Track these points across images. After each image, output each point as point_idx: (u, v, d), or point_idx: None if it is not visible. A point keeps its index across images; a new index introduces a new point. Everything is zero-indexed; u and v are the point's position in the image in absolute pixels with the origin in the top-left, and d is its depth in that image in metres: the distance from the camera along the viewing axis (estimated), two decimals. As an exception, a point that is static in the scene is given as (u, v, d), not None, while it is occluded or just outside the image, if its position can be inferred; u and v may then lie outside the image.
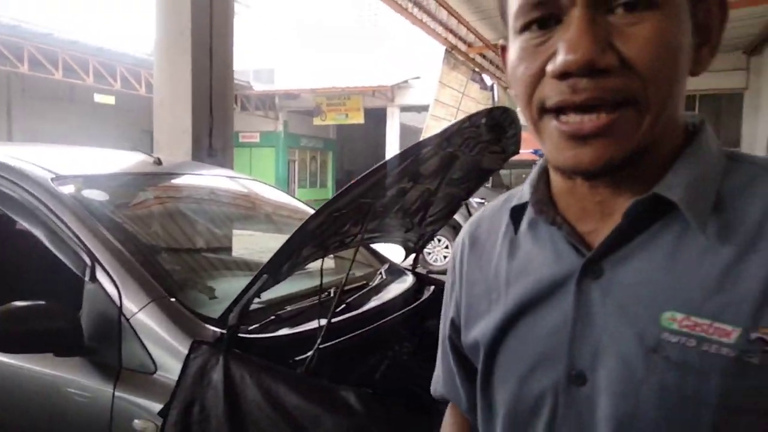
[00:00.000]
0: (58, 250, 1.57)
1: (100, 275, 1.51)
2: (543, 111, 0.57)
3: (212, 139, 3.99)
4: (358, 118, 18.69)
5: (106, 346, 1.48)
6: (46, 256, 1.62)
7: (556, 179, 0.65)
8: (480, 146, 1.71)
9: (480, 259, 0.73)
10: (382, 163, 1.39)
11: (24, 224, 1.71)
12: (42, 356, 1.49)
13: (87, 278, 1.51)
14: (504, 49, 0.65)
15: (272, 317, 1.60)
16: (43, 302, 1.43)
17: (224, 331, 1.40)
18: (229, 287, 1.65)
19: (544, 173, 0.67)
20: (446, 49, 11.89)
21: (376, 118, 18.98)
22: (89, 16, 11.40)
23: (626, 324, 0.57)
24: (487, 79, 15.03)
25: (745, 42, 15.57)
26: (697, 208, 0.57)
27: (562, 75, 0.54)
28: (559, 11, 0.54)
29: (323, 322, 1.52)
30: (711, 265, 0.55)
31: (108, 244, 1.56)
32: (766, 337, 0.52)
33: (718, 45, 0.60)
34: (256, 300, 1.54)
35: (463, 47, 13.29)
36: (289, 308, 1.67)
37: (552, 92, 0.56)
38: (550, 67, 0.55)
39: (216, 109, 3.99)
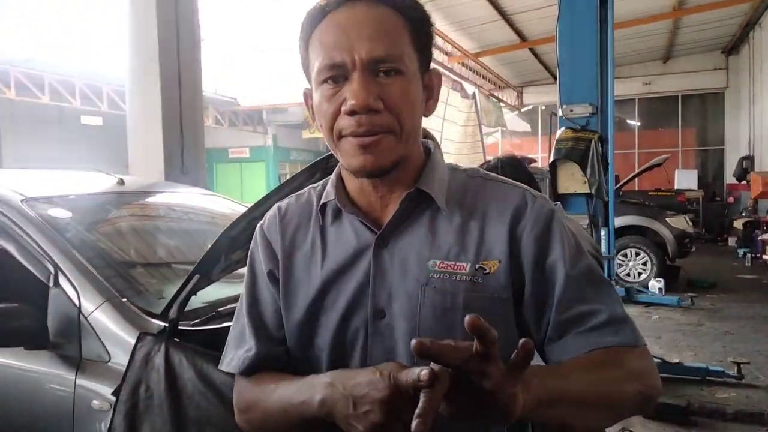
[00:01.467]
0: (26, 260, 1.84)
1: (62, 281, 1.77)
2: (340, 136, 0.87)
3: (184, 159, 4.26)
4: (345, 130, 18.97)
5: (68, 340, 1.74)
6: (16, 266, 1.88)
7: (350, 183, 0.94)
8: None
9: (295, 244, 0.97)
10: (296, 173, 1.67)
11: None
12: (13, 351, 1.75)
13: (51, 284, 1.77)
14: (307, 95, 0.94)
15: (212, 313, 1.86)
16: (14, 304, 1.70)
17: (166, 324, 1.66)
18: (176, 289, 1.90)
19: (339, 180, 0.96)
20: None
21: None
22: (71, 40, 11.64)
23: (407, 273, 0.89)
24: (468, 88, 15.37)
25: (723, 42, 16.03)
26: (441, 198, 0.91)
27: (351, 113, 0.83)
28: (345, 73, 0.84)
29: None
30: (451, 231, 0.90)
31: (69, 255, 1.83)
32: (483, 266, 0.88)
33: (438, 99, 0.94)
34: (211, 301, 1.81)
35: (440, 58, 13.65)
36: (228, 306, 1.93)
37: (345, 124, 0.85)
38: (343, 108, 0.84)
39: (186, 131, 4.27)
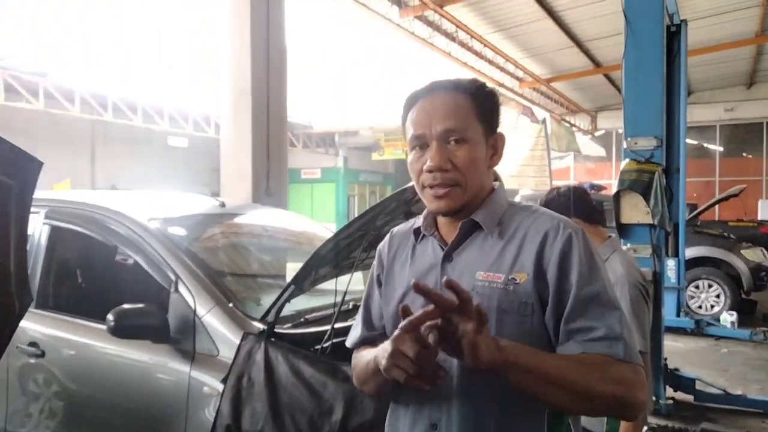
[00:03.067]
0: (152, 269, 2.23)
1: (181, 288, 2.15)
2: (423, 187, 1.19)
3: (269, 182, 4.69)
4: (414, 153, 19.22)
5: (184, 337, 2.11)
6: (142, 273, 2.28)
7: (438, 216, 1.25)
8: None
9: (397, 253, 1.32)
10: (377, 203, 1.97)
11: (126, 251, 2.40)
12: (138, 344, 2.14)
13: (172, 290, 2.16)
14: (407, 152, 1.26)
15: (301, 320, 2.19)
16: (143, 304, 2.08)
17: (265, 327, 2.00)
18: (273, 298, 2.24)
19: (431, 213, 1.26)
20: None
21: (432, 152, 19.51)
22: (163, 68, 12.63)
23: (462, 281, 1.09)
24: (539, 113, 15.39)
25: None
26: (488, 225, 1.19)
27: (429, 171, 1.16)
28: (427, 142, 1.17)
29: (337, 324, 2.09)
30: (494, 250, 1.17)
31: (186, 266, 2.21)
32: (515, 277, 1.12)
33: (502, 154, 1.23)
34: (298, 309, 2.14)
35: (510, 83, 13.80)
36: (314, 314, 2.26)
37: (426, 178, 1.18)
38: (424, 167, 1.17)
39: (272, 157, 4.70)
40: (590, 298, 1.08)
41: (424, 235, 1.26)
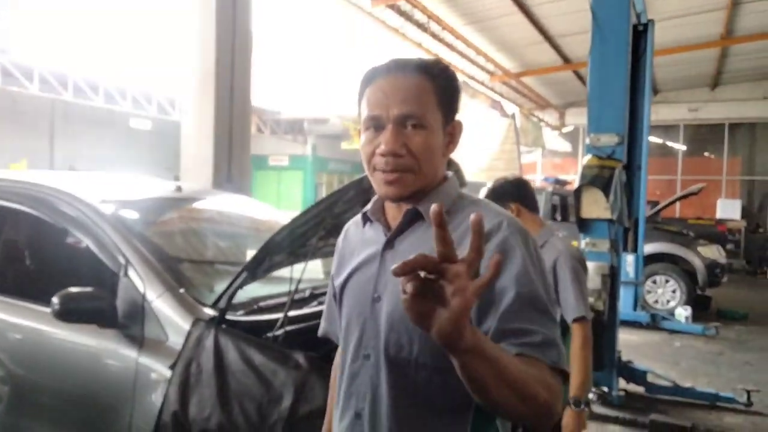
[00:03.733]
0: (101, 253, 2.17)
1: (131, 272, 2.10)
2: (374, 170, 1.14)
3: (231, 168, 4.62)
4: (385, 142, 19.22)
5: (133, 322, 2.06)
6: (89, 257, 2.22)
7: (385, 201, 1.22)
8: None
9: (349, 241, 1.30)
10: (335, 191, 1.95)
11: (76, 234, 2.33)
12: (86, 328, 2.08)
13: (122, 274, 2.11)
14: (359, 132, 1.20)
15: (255, 307, 2.16)
16: (91, 288, 2.03)
17: (216, 313, 1.97)
18: (225, 284, 2.21)
19: (379, 198, 1.23)
20: (462, 81, 12.45)
21: (402, 142, 19.52)
22: (126, 47, 12.31)
23: None
24: (508, 108, 15.53)
25: (773, 71, 15.79)
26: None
27: (382, 155, 1.11)
28: (382, 124, 1.11)
29: (291, 312, 2.07)
30: (433, 242, 1.12)
31: (137, 250, 2.16)
32: None
33: (458, 142, 1.19)
34: (254, 296, 2.10)
35: (481, 77, 13.86)
36: (268, 302, 2.23)
37: (378, 161, 1.12)
38: (377, 150, 1.11)
39: (235, 142, 4.62)
40: (529, 300, 1.03)
41: (371, 220, 1.23)
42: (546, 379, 0.97)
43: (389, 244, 1.17)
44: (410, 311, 0.79)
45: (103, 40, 11.78)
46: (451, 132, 1.17)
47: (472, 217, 0.80)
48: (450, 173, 1.24)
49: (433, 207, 0.80)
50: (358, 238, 1.26)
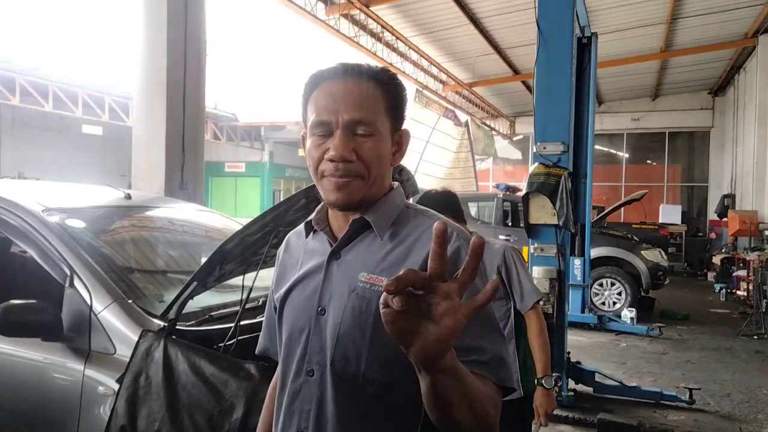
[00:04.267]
0: (45, 263, 2.12)
1: (77, 283, 2.06)
2: (322, 176, 1.10)
3: (184, 175, 4.55)
4: (340, 150, 19.17)
5: (79, 334, 2.02)
6: (35, 267, 2.16)
7: (330, 209, 1.18)
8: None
9: (290, 253, 1.26)
10: (285, 199, 1.96)
11: (18, 243, 2.26)
12: (29, 341, 2.03)
13: (67, 285, 2.06)
14: (303, 138, 1.16)
15: (206, 317, 2.15)
16: (34, 301, 1.98)
17: (165, 324, 1.95)
18: (176, 293, 2.19)
19: (324, 207, 1.20)
20: (417, 89, 12.59)
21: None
22: (77, 51, 11.95)
23: (344, 281, 1.10)
24: (462, 116, 15.77)
25: (710, 83, 16.58)
26: (381, 227, 1.12)
27: (331, 160, 1.07)
28: (331, 129, 1.07)
29: (243, 321, 2.06)
30: (381, 252, 1.10)
31: (83, 260, 2.11)
32: None
33: (405, 152, 1.17)
34: (205, 306, 2.08)
35: (434, 86, 14.07)
36: (221, 311, 2.22)
37: (326, 167, 1.08)
38: (325, 155, 1.08)
39: (188, 149, 4.56)
40: (478, 316, 0.95)
41: (315, 230, 1.20)
42: (494, 396, 0.96)
43: (335, 255, 1.14)
44: (392, 326, 0.75)
45: (52, 42, 11.39)
46: (399, 140, 1.16)
47: (437, 225, 0.76)
48: (396, 183, 1.23)
49: (437, 225, 0.76)
50: (301, 248, 1.23)
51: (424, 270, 0.79)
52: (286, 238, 1.31)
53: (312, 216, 1.21)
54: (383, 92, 1.10)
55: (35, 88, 12.45)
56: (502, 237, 7.82)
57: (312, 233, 1.21)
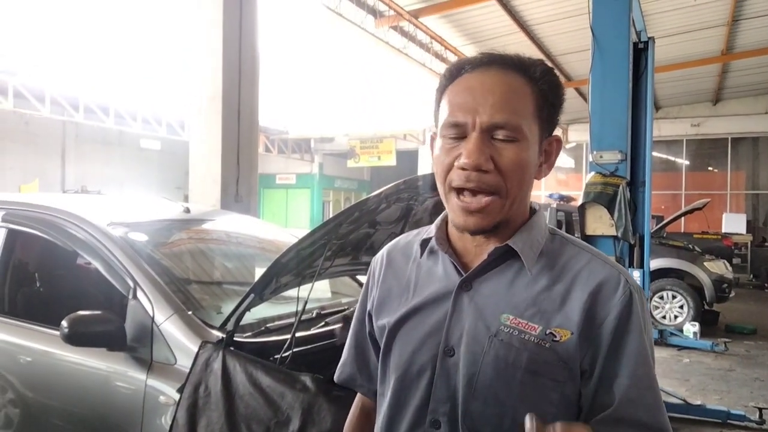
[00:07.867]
0: (110, 275, 2.20)
1: (140, 294, 2.13)
2: (450, 188, 0.93)
3: (239, 188, 4.66)
4: (390, 160, 19.21)
5: (141, 345, 2.08)
6: (100, 279, 2.24)
7: (452, 227, 1.00)
8: (427, 199, 2.27)
9: (395, 272, 1.07)
10: (340, 212, 1.97)
11: (85, 256, 2.36)
12: (95, 351, 2.10)
13: (130, 297, 2.13)
14: (433, 138, 0.99)
15: (262, 328, 2.18)
16: (100, 312, 2.05)
17: (224, 335, 1.98)
18: (233, 305, 2.22)
19: (444, 221, 1.02)
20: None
21: (408, 159, 19.61)
22: (136, 70, 12.45)
23: (480, 319, 0.93)
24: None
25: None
26: (529, 258, 0.94)
27: (462, 169, 0.90)
28: (465, 132, 0.91)
29: (298, 333, 2.08)
30: (531, 290, 0.92)
31: (145, 272, 2.18)
32: (554, 332, 0.89)
33: (554, 164, 1.00)
34: (261, 317, 2.12)
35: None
36: (276, 323, 2.25)
37: (456, 177, 0.91)
38: (456, 162, 0.91)
39: (242, 162, 4.67)
40: (647, 386, 0.89)
41: (434, 250, 1.02)
42: None
43: (466, 285, 0.96)
44: None
45: (113, 62, 11.92)
46: (548, 149, 0.97)
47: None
48: (536, 203, 1.07)
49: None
50: (412, 269, 1.04)
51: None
52: (383, 254, 1.13)
53: (430, 231, 1.04)
54: (533, 89, 0.93)
55: (97, 105, 13.04)
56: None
57: (427, 252, 1.03)
